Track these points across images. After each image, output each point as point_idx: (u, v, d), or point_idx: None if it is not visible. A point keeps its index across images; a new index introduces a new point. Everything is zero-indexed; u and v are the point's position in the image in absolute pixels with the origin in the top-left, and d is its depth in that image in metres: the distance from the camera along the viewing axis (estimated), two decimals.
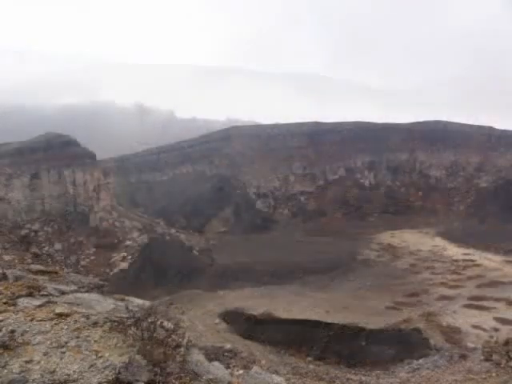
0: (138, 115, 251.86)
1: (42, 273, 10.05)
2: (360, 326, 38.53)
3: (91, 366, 5.38)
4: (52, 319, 6.40)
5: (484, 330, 36.67)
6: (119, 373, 5.10)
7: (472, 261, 67.14)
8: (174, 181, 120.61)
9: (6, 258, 62.97)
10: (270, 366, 29.27)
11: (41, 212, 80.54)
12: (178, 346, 6.10)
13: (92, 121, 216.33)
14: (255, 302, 48.15)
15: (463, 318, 40.06)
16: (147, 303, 7.63)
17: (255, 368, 6.44)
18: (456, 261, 68.20)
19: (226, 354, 29.76)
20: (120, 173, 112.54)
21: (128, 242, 78.52)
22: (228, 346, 32.51)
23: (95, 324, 6.39)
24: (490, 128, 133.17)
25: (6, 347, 5.43)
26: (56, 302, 7.14)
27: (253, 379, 5.98)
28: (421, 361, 30.71)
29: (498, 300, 45.46)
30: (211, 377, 5.84)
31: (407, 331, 36.77)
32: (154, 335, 5.95)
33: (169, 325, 6.61)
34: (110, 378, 5.11)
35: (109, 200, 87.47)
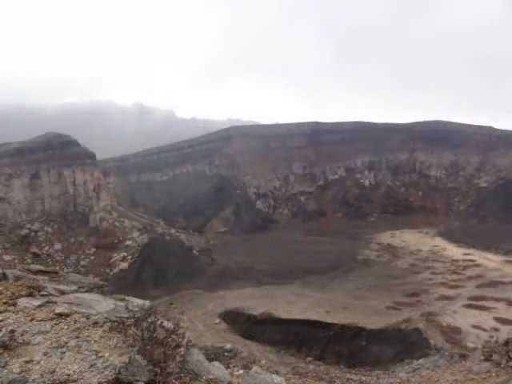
0: (138, 115, 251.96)
1: (42, 273, 10.05)
2: (360, 326, 38.53)
3: (91, 366, 5.38)
4: (52, 319, 6.39)
5: (484, 330, 36.68)
6: (119, 373, 5.10)
7: (472, 261, 67.16)
8: (174, 181, 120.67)
9: (6, 258, 63.01)
10: (270, 366, 29.26)
11: (41, 212, 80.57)
12: (178, 346, 6.10)
13: (92, 121, 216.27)
14: (255, 301, 48.14)
15: (463, 318, 40.06)
16: (147, 303, 7.63)
17: (255, 368, 6.44)
18: (456, 261, 68.22)
19: (226, 353, 29.76)
20: (120, 173, 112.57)
21: (128, 242, 78.52)
22: (228, 346, 32.51)
23: (95, 324, 6.39)
24: (490, 128, 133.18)
25: (5, 347, 5.43)
26: (56, 302, 7.14)
27: (253, 379, 5.98)
28: (421, 361, 30.69)
29: (497, 300, 45.47)
30: (211, 377, 5.83)
31: (407, 331, 36.75)
32: (154, 335, 5.94)
33: (169, 325, 6.61)
34: (110, 377, 5.11)
35: (109, 200, 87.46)
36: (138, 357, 5.52)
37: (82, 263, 71.26)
